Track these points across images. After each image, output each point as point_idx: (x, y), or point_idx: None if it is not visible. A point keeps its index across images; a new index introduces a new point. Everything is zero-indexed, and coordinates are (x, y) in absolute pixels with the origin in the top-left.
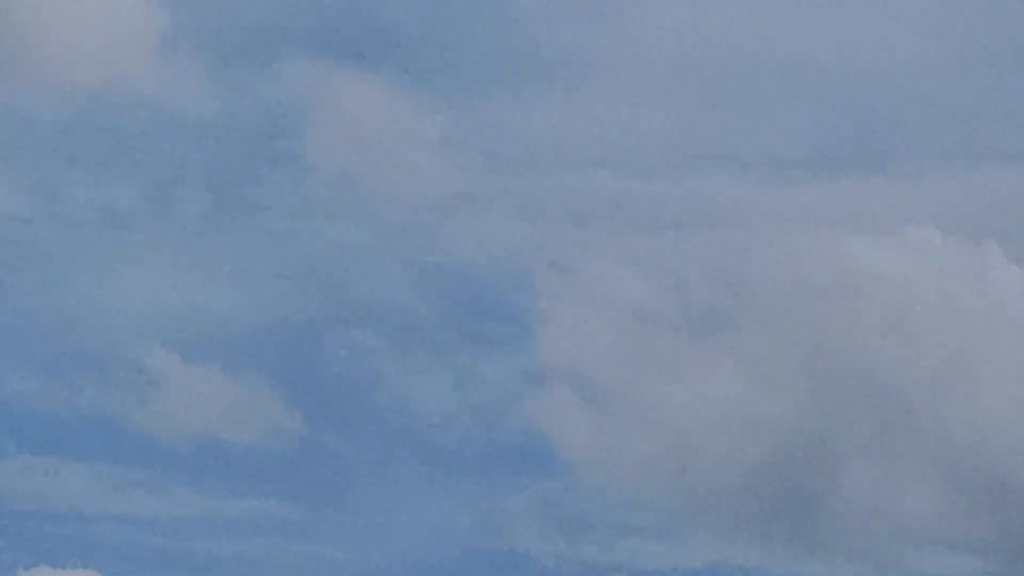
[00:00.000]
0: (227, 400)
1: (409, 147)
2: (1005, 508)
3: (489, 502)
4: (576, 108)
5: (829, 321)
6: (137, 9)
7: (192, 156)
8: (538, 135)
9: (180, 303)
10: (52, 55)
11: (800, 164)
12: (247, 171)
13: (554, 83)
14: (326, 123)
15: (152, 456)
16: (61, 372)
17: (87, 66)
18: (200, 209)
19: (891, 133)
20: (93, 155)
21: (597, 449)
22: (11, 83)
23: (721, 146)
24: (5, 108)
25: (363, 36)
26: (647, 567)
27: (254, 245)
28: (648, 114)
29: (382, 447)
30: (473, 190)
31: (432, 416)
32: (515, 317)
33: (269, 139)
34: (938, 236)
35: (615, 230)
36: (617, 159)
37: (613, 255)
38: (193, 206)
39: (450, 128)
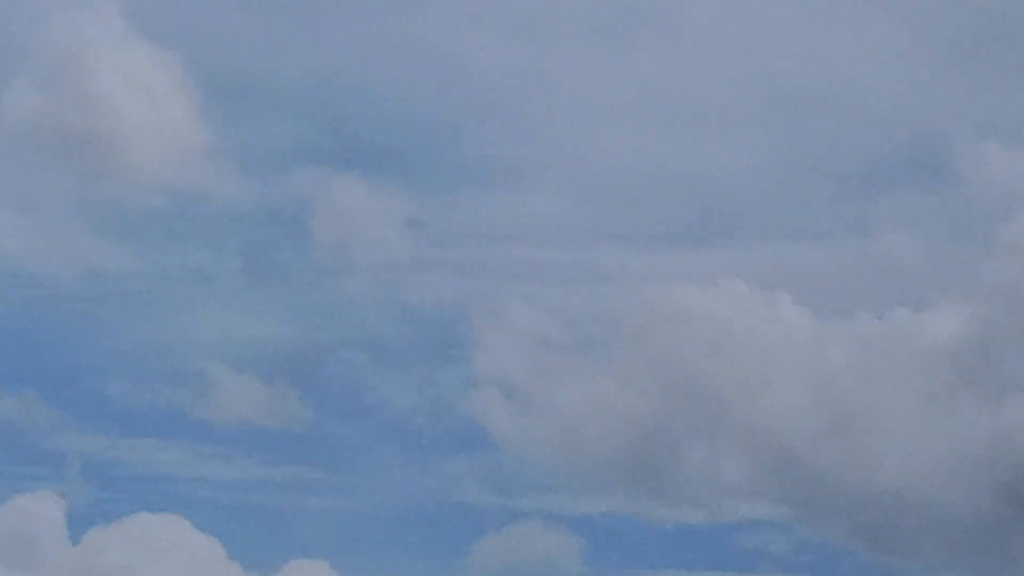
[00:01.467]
0: (260, 398)
1: (384, 226)
2: (792, 472)
3: (443, 468)
4: (504, 199)
5: (671, 346)
6: (188, 129)
7: (233, 233)
8: (477, 218)
9: (230, 332)
10: (140, 163)
11: (656, 239)
12: (272, 243)
13: (489, 181)
14: (326, 209)
15: (210, 436)
16: (148, 379)
17: (160, 170)
18: (240, 269)
19: (715, 220)
20: (171, 232)
21: (516, 432)
22: (113, 182)
23: (604, 226)
24: (116, 200)
25: (350, 149)
26: (554, 512)
27: (277, 293)
28: (555, 204)
29: (367, 431)
30: (430, 256)
31: (402, 409)
32: (459, 342)
33: (286, 221)
34: (745, 287)
35: (529, 284)
36: (533, 235)
37: (526, 301)
38: (235, 267)
39: (414, 212)
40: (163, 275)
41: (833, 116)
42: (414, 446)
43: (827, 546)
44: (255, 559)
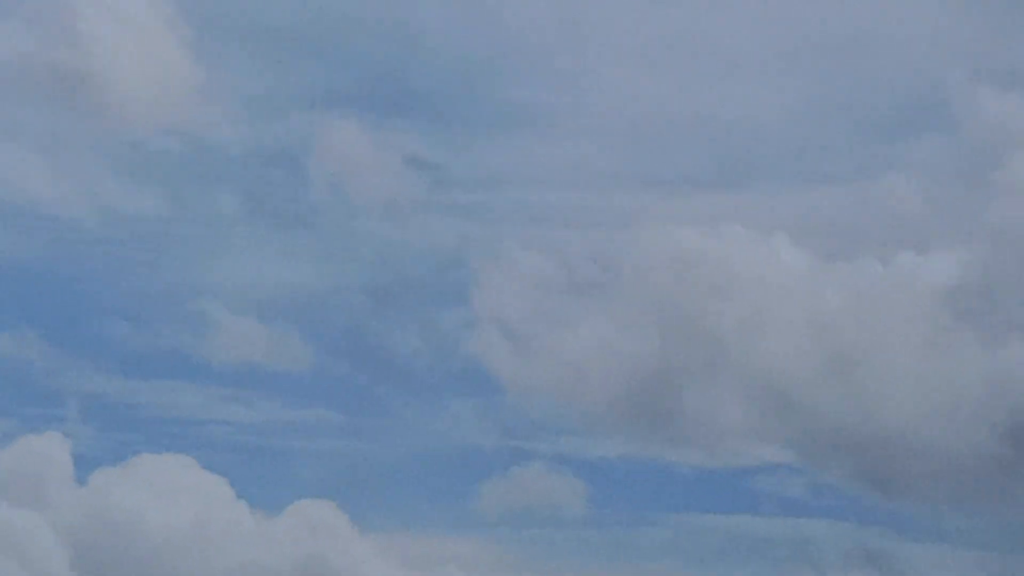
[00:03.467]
0: (261, 339)
1: (385, 168)
2: (793, 414)
3: (446, 410)
4: (512, 143)
5: (671, 287)
6: (181, 69)
7: (230, 174)
8: (483, 161)
9: (229, 274)
10: (131, 104)
11: (659, 183)
12: (270, 185)
13: (502, 125)
14: (323, 152)
15: (212, 378)
16: (149, 320)
17: (153, 111)
18: (238, 211)
19: (719, 164)
20: (168, 174)
21: (518, 374)
22: (105, 123)
23: (605, 171)
24: (109, 141)
25: (353, 90)
26: (559, 454)
27: (276, 235)
28: (560, 148)
29: (369, 372)
30: (431, 198)
31: (403, 350)
32: (459, 284)
33: (284, 162)
34: (743, 230)
35: (529, 227)
36: (534, 179)
37: (525, 244)
38: (233, 209)
39: (418, 154)
40: (162, 218)
41: (840, 64)
42: (416, 387)
43: (835, 489)
44: (262, 499)
